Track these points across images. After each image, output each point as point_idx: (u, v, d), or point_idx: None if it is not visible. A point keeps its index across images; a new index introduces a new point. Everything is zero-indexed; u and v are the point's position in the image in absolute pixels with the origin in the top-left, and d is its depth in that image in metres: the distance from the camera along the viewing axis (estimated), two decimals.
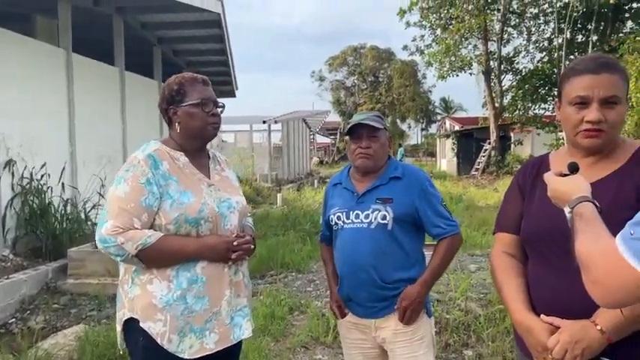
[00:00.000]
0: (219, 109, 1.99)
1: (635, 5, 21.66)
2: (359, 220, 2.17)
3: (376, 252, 2.12)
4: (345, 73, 54.10)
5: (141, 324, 1.79)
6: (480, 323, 3.96)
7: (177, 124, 1.93)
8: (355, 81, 53.67)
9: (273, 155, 20.94)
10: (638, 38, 17.92)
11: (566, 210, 1.22)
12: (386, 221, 2.13)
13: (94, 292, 5.42)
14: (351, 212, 2.19)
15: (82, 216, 7.13)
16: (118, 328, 1.91)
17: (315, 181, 22.35)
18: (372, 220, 2.14)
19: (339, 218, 2.22)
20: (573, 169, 1.34)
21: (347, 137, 2.29)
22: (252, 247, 1.98)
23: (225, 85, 14.64)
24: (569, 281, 1.38)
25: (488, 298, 4.47)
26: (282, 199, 13.80)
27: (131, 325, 1.83)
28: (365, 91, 52.63)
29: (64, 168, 7.28)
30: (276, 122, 20.59)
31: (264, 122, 19.95)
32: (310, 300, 4.94)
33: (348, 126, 2.22)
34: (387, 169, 2.27)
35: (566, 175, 1.33)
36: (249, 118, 22.61)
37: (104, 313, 4.93)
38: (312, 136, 37.99)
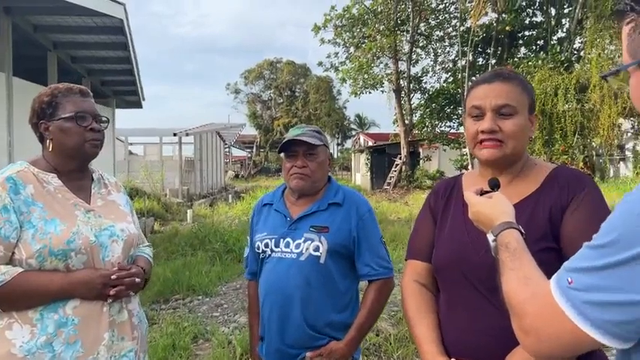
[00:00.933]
0: (102, 124, 1.75)
1: (527, 33, 23.76)
2: (288, 250, 1.89)
3: (304, 288, 1.84)
4: (262, 87, 54.12)
5: None
6: (390, 344, 3.91)
7: (49, 141, 1.69)
8: (272, 95, 53.80)
9: (184, 169, 20.15)
10: (530, 63, 19.64)
11: (490, 237, 1.12)
12: (319, 253, 1.86)
13: None
14: (282, 240, 1.91)
15: None
16: None
17: (230, 196, 21.82)
18: (303, 251, 1.87)
19: (266, 245, 1.94)
20: (494, 185, 1.26)
21: (282, 154, 2.02)
22: (140, 280, 1.70)
23: (131, 95, 13.85)
24: (480, 319, 1.29)
25: (398, 317, 4.44)
26: (193, 216, 13.24)
27: None
28: (281, 105, 52.89)
29: None
30: (187, 135, 19.87)
31: (174, 134, 19.17)
32: (217, 326, 4.63)
33: (282, 142, 1.97)
34: (327, 192, 2.00)
35: (487, 192, 1.25)
36: (159, 131, 21.68)
37: None
38: (227, 150, 37.28)
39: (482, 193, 1.25)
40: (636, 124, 20.43)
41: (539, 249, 1.21)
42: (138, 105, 14.84)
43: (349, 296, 1.94)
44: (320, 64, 27.17)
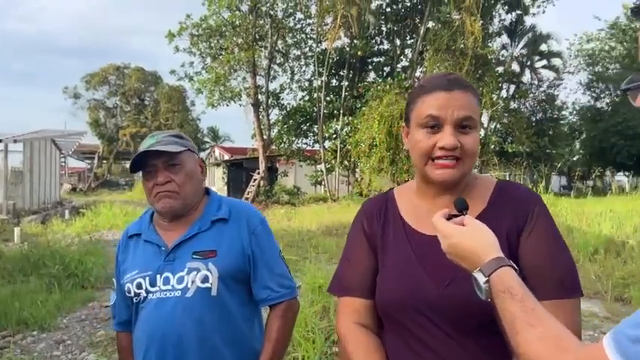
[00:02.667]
0: None
1: (376, 59, 25.62)
2: (169, 287, 1.52)
3: (197, 330, 1.48)
4: (106, 93, 49.95)
5: None
6: None
7: None
8: (118, 102, 50.00)
9: (10, 181, 17.42)
10: (379, 87, 21.11)
11: (480, 278, 0.91)
12: (209, 284, 1.51)
13: None
14: (158, 276, 1.54)
15: None
16: None
17: (67, 212, 19.49)
18: (189, 285, 1.51)
19: (139, 286, 1.55)
20: (462, 207, 1.06)
21: (139, 174, 1.60)
22: None
23: None
24: None
25: None
26: (22, 235, 11.42)
27: None
28: (129, 114, 49.46)
29: None
30: (15, 142, 17.25)
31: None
32: None
33: (133, 158, 1.55)
34: (207, 208, 1.63)
35: (454, 215, 1.05)
36: None
37: None
38: (63, 160, 33.58)
39: (449, 217, 1.06)
40: None
41: None
42: None
43: (252, 326, 1.63)
44: (173, 72, 25.95)
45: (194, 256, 1.53)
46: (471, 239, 0.95)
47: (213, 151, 38.41)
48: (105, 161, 48.90)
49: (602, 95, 32.20)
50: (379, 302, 1.20)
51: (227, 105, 24.63)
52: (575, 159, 30.83)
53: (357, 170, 22.84)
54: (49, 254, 7.63)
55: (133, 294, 1.56)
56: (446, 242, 1.00)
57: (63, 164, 35.28)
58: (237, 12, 23.88)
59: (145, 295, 1.54)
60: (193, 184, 1.60)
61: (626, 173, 30.68)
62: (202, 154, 53.02)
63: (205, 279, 1.51)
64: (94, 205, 20.86)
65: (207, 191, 1.71)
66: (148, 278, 1.54)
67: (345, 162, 23.32)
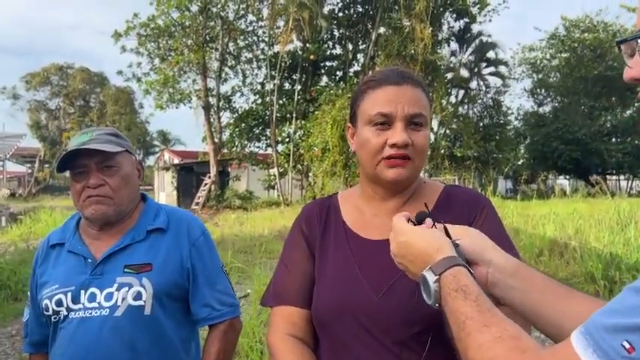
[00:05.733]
0: None
1: (328, 64, 25.71)
2: (95, 305, 1.35)
3: (127, 354, 1.34)
4: (48, 94, 47.85)
5: None
6: None
7: None
8: (61, 103, 47.96)
9: None
10: (331, 91, 21.18)
11: (430, 277, 0.83)
12: (142, 301, 1.36)
13: None
14: (82, 292, 1.36)
15: None
16: None
17: (4, 219, 18.39)
18: (119, 303, 1.35)
19: (59, 303, 1.37)
20: (421, 219, 0.98)
21: (67, 174, 1.43)
22: None
23: None
24: None
25: None
26: None
27: None
28: (73, 116, 47.53)
29: None
30: None
31: None
32: None
33: (61, 156, 1.38)
34: (143, 216, 1.48)
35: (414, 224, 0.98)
36: None
37: None
38: (0, 164, 31.88)
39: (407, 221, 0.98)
40: None
41: None
42: None
43: (189, 349, 1.49)
44: (120, 72, 25.25)
45: (126, 270, 1.38)
46: (423, 239, 0.88)
47: (163, 155, 37.42)
48: (47, 165, 46.74)
49: (544, 102, 33.74)
50: (315, 310, 1.12)
51: (176, 107, 24.18)
52: (520, 163, 32.05)
53: (310, 174, 22.79)
54: None
55: (51, 312, 1.38)
56: (397, 240, 0.92)
57: (0, 168, 33.50)
58: (187, 12, 23.40)
59: (66, 313, 1.37)
60: (129, 189, 1.45)
61: (567, 177, 32.19)
62: (151, 158, 51.70)
63: (138, 296, 1.36)
64: (34, 211, 19.80)
65: (144, 197, 1.55)
66: (70, 294, 1.37)
67: (298, 166, 23.22)
